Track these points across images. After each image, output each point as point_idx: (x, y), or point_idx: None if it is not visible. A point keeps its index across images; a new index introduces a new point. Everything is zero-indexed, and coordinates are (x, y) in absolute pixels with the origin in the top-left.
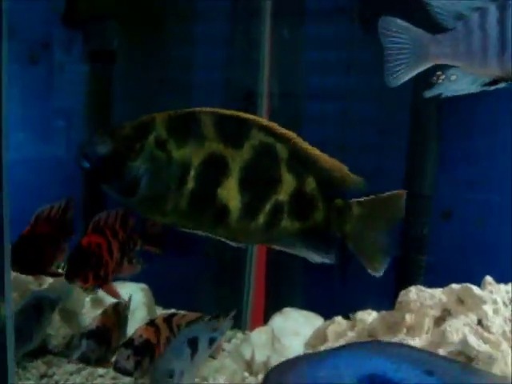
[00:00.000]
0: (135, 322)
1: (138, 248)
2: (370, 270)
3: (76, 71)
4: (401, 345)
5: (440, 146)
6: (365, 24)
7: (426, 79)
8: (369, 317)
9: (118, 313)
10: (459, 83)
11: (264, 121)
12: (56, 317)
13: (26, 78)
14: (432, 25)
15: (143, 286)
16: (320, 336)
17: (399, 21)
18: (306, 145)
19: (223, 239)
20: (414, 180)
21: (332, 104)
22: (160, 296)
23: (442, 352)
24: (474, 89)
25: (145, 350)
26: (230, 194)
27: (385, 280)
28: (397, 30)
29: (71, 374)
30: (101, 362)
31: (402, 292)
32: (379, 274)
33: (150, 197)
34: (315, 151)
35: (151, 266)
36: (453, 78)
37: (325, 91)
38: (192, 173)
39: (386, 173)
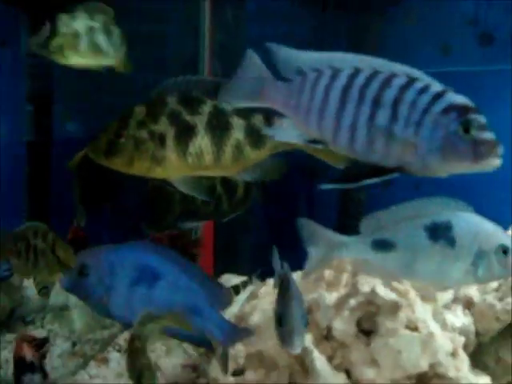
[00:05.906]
0: None
1: None
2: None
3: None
4: (168, 249)
5: None
6: None
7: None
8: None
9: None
10: (288, 132)
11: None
12: None
13: None
14: None
15: None
16: (254, 296)
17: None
18: None
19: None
20: None
21: None
22: None
23: (352, 302)
24: (301, 141)
25: None
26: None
27: None
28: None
29: (11, 342)
30: None
31: None
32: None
33: None
34: None
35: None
36: (284, 125)
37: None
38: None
39: None
